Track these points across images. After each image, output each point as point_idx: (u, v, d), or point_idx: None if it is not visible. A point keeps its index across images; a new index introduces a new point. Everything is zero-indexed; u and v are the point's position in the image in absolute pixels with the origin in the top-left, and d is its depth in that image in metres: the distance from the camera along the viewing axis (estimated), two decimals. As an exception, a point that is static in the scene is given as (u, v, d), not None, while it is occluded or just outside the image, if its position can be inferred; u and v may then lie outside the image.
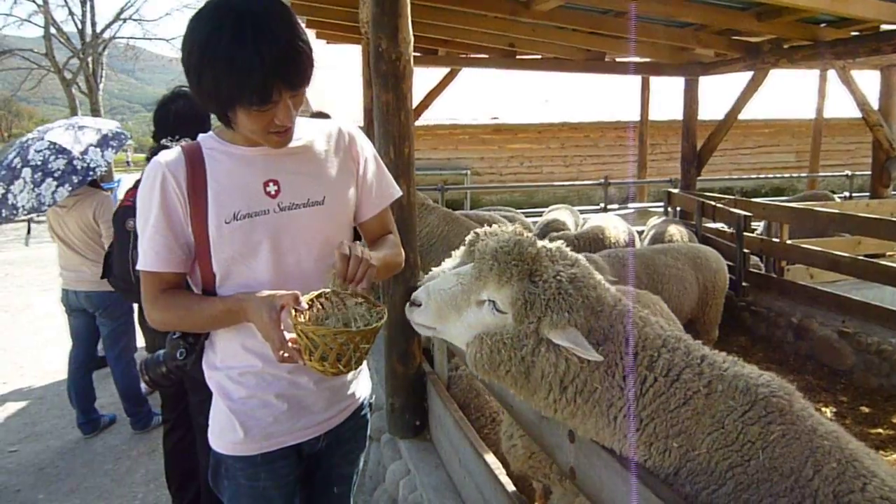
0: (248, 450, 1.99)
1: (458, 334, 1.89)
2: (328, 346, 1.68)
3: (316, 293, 1.81)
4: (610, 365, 1.72)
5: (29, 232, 7.46)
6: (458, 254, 2.05)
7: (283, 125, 1.80)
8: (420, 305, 1.95)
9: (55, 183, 4.60)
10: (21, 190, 4.62)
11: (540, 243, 1.86)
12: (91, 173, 4.74)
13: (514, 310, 1.74)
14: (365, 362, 2.29)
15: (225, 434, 2.01)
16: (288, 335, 1.72)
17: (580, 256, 1.90)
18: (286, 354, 1.72)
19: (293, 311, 1.71)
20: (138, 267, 1.88)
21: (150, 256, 1.85)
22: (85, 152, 4.80)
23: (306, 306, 1.75)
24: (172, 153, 1.88)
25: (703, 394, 1.67)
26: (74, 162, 4.70)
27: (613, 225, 6.75)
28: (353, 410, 2.21)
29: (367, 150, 2.16)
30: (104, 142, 4.97)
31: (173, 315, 1.89)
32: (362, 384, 2.28)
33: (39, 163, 4.65)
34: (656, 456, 1.68)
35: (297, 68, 1.72)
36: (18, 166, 4.71)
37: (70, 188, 4.63)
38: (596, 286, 1.80)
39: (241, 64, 1.64)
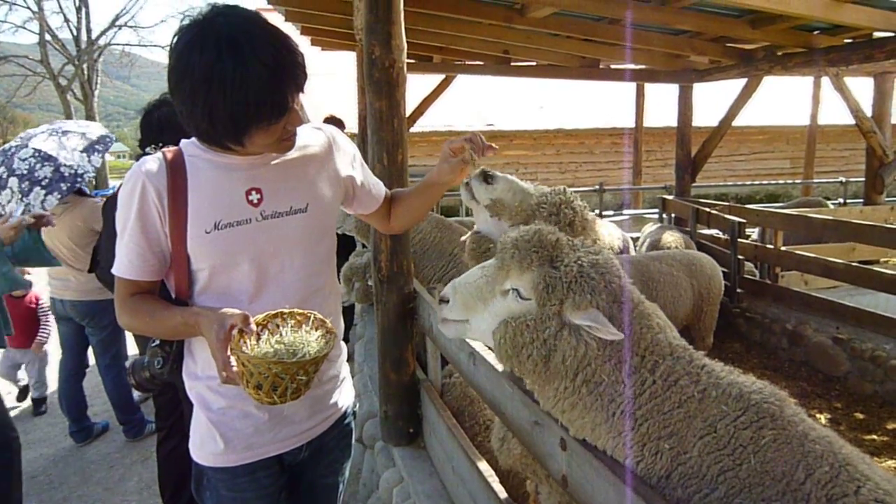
0: (228, 461, 1.98)
1: (486, 326, 1.94)
2: (262, 375, 1.65)
3: (273, 313, 1.79)
4: (619, 361, 1.75)
5: None
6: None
7: (293, 128, 1.82)
8: (448, 301, 1.99)
9: (43, 192, 4.52)
10: (9, 200, 4.54)
11: (563, 235, 1.93)
12: (79, 179, 4.68)
13: (536, 294, 1.80)
14: (347, 370, 2.29)
15: (205, 445, 1.99)
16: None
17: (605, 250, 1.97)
18: (228, 376, 1.68)
19: (236, 334, 1.68)
20: (112, 270, 1.87)
21: (123, 263, 1.85)
22: (71, 158, 4.74)
23: (255, 328, 1.72)
24: (153, 161, 1.84)
25: (697, 399, 1.69)
26: (62, 169, 4.62)
27: (608, 232, 6.74)
28: (335, 420, 2.20)
29: (353, 153, 2.19)
30: (90, 147, 4.89)
31: (139, 320, 1.89)
32: (345, 393, 2.26)
33: (25, 171, 4.57)
34: (648, 457, 1.69)
35: (299, 66, 1.73)
36: (4, 176, 4.63)
37: (59, 196, 4.57)
38: (620, 276, 1.84)
39: (255, 84, 1.63)
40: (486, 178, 2.42)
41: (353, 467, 2.43)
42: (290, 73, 1.70)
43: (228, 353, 1.68)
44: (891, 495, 1.59)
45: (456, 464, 3.10)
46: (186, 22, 1.71)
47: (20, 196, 4.53)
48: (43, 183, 4.55)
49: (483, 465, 2.84)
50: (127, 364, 5.40)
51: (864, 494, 1.57)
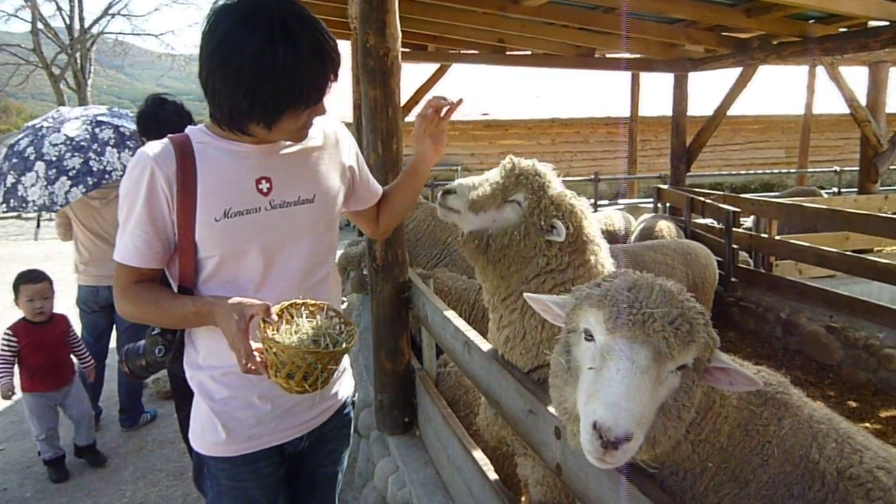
0: (229, 451, 1.97)
1: (649, 422, 1.47)
2: (296, 365, 1.65)
3: (287, 303, 1.79)
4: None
5: (38, 226, 7.15)
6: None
7: (315, 117, 1.83)
8: (632, 438, 1.39)
9: (69, 182, 4.41)
10: (33, 184, 4.44)
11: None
12: (107, 177, 4.54)
13: (705, 355, 1.54)
14: (348, 361, 2.29)
15: (206, 435, 1.98)
16: (255, 345, 1.69)
17: None
18: (251, 366, 1.68)
19: (262, 324, 1.67)
20: (115, 258, 1.85)
21: (128, 250, 1.82)
22: (101, 153, 4.60)
23: (276, 318, 1.72)
24: (161, 146, 1.82)
25: (734, 405, 1.67)
26: (90, 162, 4.51)
27: (605, 214, 6.85)
28: (336, 410, 2.20)
29: (354, 146, 2.18)
30: (121, 142, 4.74)
31: (142, 309, 1.86)
32: (345, 383, 2.26)
33: (54, 158, 4.48)
34: (689, 479, 1.65)
35: (338, 55, 1.75)
36: (32, 157, 4.53)
37: (84, 189, 4.45)
38: None
39: (303, 68, 1.65)
40: (448, 191, 2.46)
41: (349, 457, 2.44)
42: (330, 59, 1.72)
43: (250, 342, 1.68)
44: (889, 462, 1.66)
45: (451, 452, 3.11)
46: (222, 2, 1.69)
47: (45, 183, 4.41)
48: (70, 174, 4.44)
49: (478, 454, 2.84)
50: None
51: (867, 463, 1.64)
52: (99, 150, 4.61)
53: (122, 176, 4.59)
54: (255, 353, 1.68)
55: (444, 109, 2.15)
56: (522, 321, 2.37)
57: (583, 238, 2.40)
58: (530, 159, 2.54)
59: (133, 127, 4.90)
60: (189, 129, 1.90)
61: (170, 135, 1.86)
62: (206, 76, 1.72)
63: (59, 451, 4.76)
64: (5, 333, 4.57)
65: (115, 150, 4.68)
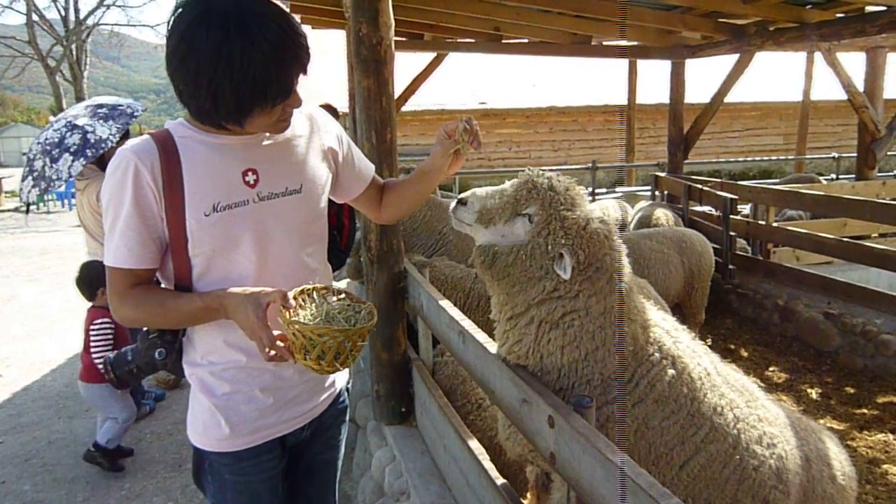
0: (233, 445, 1.96)
1: None
2: (326, 345, 1.65)
3: (298, 290, 1.79)
4: None
5: (27, 212, 7.24)
6: None
7: (291, 110, 1.79)
8: None
9: (71, 158, 4.67)
10: (43, 165, 4.73)
11: None
12: (103, 145, 4.77)
13: None
14: None
15: (209, 431, 1.95)
16: (275, 332, 1.69)
17: None
18: (276, 353, 1.68)
19: (281, 310, 1.67)
20: (107, 263, 1.80)
21: (121, 253, 1.77)
22: (95, 127, 4.87)
23: (293, 303, 1.71)
24: (142, 142, 1.78)
25: None
26: (88, 136, 4.78)
27: (601, 206, 6.84)
28: (333, 398, 2.21)
29: (338, 129, 2.15)
30: (113, 114, 5.03)
31: (145, 312, 1.82)
32: (341, 372, 2.26)
33: (57, 140, 4.75)
34: None
35: (303, 47, 1.70)
36: (36, 150, 4.85)
37: (84, 161, 4.69)
38: None
39: (261, 65, 1.60)
40: (461, 201, 2.30)
41: (347, 446, 2.44)
42: (295, 54, 1.67)
43: (271, 329, 1.68)
44: None
45: (447, 442, 3.11)
46: (180, 0, 1.65)
47: (49, 162, 4.69)
48: (71, 150, 4.71)
49: (474, 444, 2.85)
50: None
51: None
52: (93, 126, 4.90)
53: (115, 146, 4.78)
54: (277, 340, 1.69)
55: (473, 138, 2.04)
56: (537, 346, 2.19)
57: (598, 267, 2.15)
58: (552, 173, 2.30)
59: (126, 101, 5.30)
60: (168, 124, 1.85)
61: (149, 131, 1.83)
62: (171, 77, 1.69)
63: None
64: (102, 320, 4.56)
65: (108, 122, 4.98)
